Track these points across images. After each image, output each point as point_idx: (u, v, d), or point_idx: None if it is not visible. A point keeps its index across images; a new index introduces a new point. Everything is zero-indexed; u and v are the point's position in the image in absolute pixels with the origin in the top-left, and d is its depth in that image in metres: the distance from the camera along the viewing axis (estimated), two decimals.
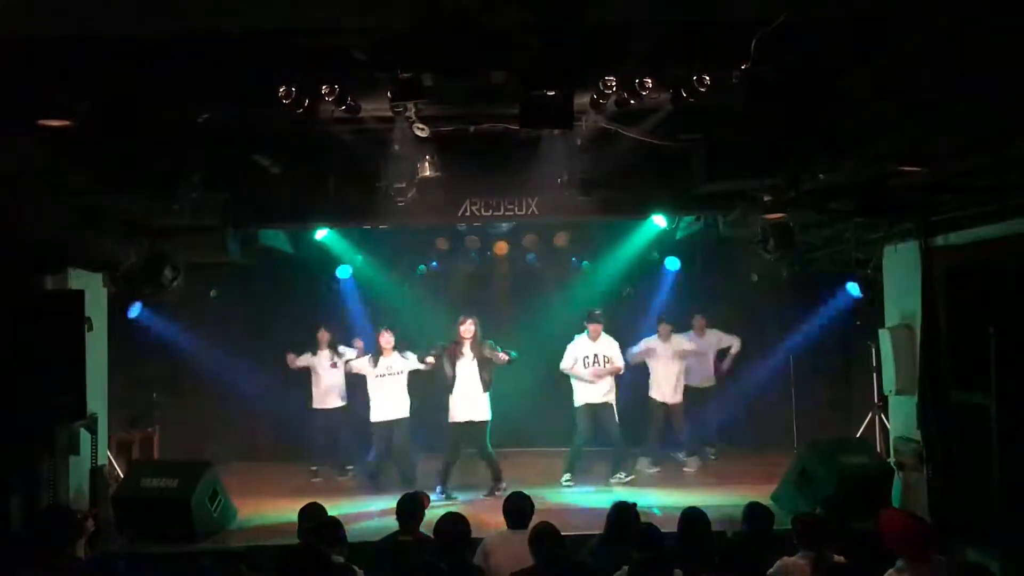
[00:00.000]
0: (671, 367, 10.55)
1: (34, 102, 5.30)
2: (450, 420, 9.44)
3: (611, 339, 9.97)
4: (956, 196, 7.04)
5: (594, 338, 9.88)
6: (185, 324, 11.08)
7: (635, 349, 10.46)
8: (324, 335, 10.56)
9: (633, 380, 10.52)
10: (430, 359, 9.58)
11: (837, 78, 5.23)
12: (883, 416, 9.59)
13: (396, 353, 9.81)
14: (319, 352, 10.58)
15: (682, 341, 10.69)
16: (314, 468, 10.56)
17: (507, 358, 9.37)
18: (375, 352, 9.89)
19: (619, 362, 9.93)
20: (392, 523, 6.09)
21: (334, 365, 10.50)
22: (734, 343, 11.05)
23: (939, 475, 7.52)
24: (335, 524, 5.56)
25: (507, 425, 10.00)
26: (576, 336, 10.00)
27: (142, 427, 10.45)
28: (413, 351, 9.84)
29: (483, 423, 9.38)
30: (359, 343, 10.84)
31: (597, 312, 9.98)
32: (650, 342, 10.55)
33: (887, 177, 6.68)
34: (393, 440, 9.77)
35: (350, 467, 10.57)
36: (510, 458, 10.43)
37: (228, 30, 4.47)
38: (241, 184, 7.51)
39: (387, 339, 9.81)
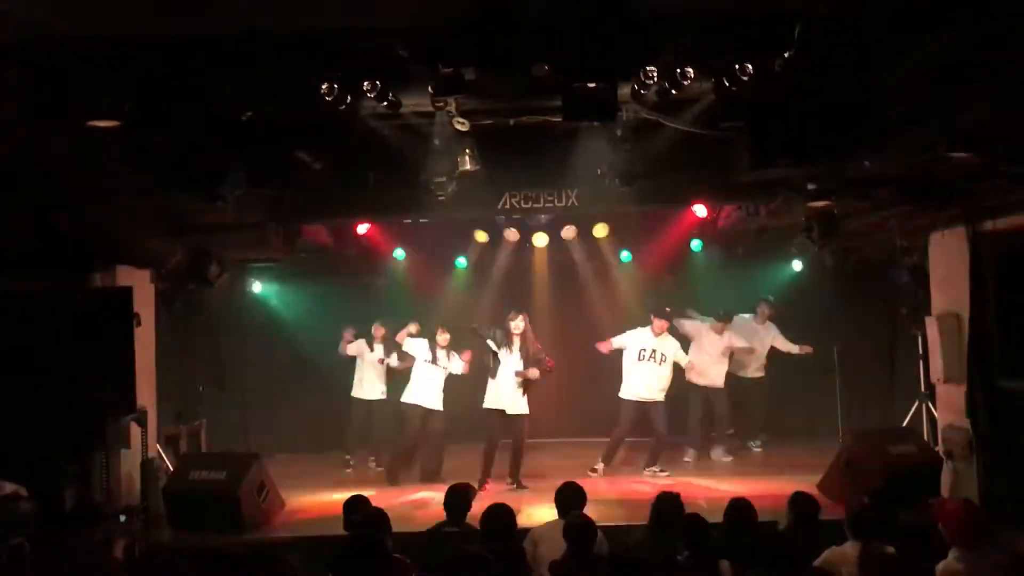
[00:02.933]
0: (712, 355, 10.45)
1: (82, 103, 5.41)
2: (484, 406, 9.26)
3: (673, 339, 9.85)
4: (1005, 181, 6.91)
5: (657, 333, 9.73)
6: (229, 318, 11.26)
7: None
8: (379, 330, 10.54)
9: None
10: (467, 368, 9.65)
11: (883, 65, 5.15)
12: (930, 404, 9.47)
13: (451, 352, 9.83)
14: (374, 345, 10.59)
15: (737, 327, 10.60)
16: (348, 457, 10.62)
17: (538, 374, 9.17)
18: (431, 344, 9.85)
19: (679, 359, 9.82)
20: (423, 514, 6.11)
21: (382, 361, 10.51)
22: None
23: (989, 463, 7.42)
24: (382, 515, 5.61)
25: (548, 416, 9.97)
26: (640, 327, 9.85)
27: (189, 421, 10.58)
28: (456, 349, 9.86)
29: (519, 417, 9.17)
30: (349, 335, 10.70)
31: (668, 309, 9.81)
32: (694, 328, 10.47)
33: (934, 164, 6.58)
34: (424, 431, 9.74)
35: (373, 460, 10.58)
36: (551, 449, 10.43)
37: (271, 29, 4.52)
38: (284, 180, 7.58)
39: (443, 337, 9.80)
